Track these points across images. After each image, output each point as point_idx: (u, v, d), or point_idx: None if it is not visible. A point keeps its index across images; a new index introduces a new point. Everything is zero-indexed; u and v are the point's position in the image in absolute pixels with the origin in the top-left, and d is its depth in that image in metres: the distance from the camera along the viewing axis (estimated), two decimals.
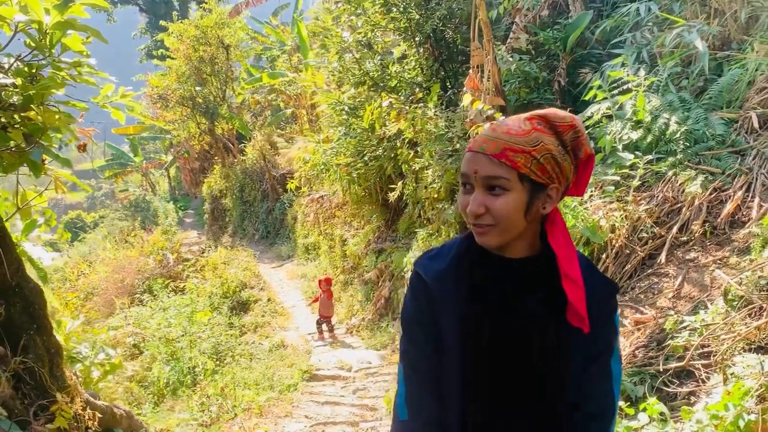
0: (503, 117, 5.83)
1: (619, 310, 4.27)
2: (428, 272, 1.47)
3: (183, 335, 8.28)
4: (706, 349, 3.48)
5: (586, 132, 5.23)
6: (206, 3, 21.94)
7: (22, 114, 3.44)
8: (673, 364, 3.55)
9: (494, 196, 1.32)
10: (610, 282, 1.50)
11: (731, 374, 3.13)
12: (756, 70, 4.92)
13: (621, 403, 3.40)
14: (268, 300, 11.86)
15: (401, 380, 1.51)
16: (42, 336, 3.38)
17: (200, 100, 22.62)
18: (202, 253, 16.96)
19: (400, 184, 8.47)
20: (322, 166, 10.61)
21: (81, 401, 3.60)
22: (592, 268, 1.48)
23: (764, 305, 3.39)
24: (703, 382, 3.36)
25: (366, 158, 9.48)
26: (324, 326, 9.48)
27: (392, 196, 8.65)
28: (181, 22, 22.11)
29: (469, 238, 1.49)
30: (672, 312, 3.90)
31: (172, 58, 22.44)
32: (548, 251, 1.41)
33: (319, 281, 9.99)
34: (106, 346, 6.48)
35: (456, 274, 1.45)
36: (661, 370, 3.57)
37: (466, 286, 1.43)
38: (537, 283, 1.42)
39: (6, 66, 3.45)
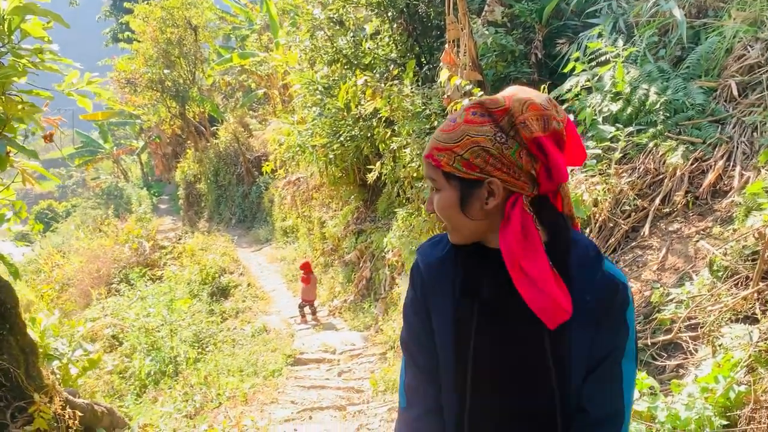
0: (481, 92, 5.75)
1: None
2: (425, 259, 1.45)
3: (163, 324, 8.15)
4: (693, 321, 3.47)
5: (565, 105, 5.14)
6: None
7: None
8: (661, 338, 3.54)
9: (437, 193, 1.35)
10: (614, 278, 1.33)
11: (719, 345, 3.13)
12: (734, 37, 4.89)
13: None
14: (248, 285, 11.76)
15: (402, 366, 1.51)
16: (15, 335, 3.26)
17: (169, 84, 22.16)
18: (179, 239, 16.74)
19: (378, 164, 8.37)
20: (298, 148, 10.46)
21: (60, 401, 3.50)
22: (597, 262, 1.34)
23: (750, 275, 3.38)
24: (692, 354, 3.35)
25: (342, 138, 9.36)
26: (306, 308, 9.47)
27: (370, 176, 8.56)
28: (147, 4, 21.54)
29: None
30: (657, 285, 3.89)
31: (139, 41, 21.92)
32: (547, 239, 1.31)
33: (300, 267, 9.96)
34: (84, 339, 6.35)
35: (452, 263, 1.40)
36: (649, 343, 3.56)
37: (459, 277, 1.38)
38: None
39: None
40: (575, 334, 1.30)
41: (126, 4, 24.75)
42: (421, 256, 1.47)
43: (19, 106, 3.38)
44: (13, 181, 4.40)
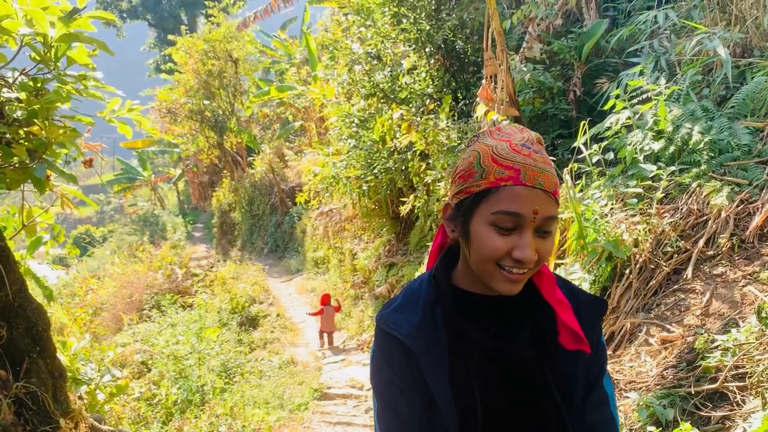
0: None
1: (645, 328, 4.13)
2: (401, 328, 1.27)
3: (191, 352, 8.13)
4: (740, 371, 3.30)
5: (605, 143, 5.06)
6: (214, 17, 22.01)
7: (26, 129, 3.33)
8: (706, 386, 3.37)
9: (543, 239, 1.17)
10: (597, 299, 1.37)
11: None
12: None
13: (652, 428, 3.24)
14: (278, 315, 11.73)
15: None
16: (45, 359, 3.25)
17: (209, 114, 22.65)
18: (211, 267, 16.86)
19: (411, 197, 8.33)
20: (332, 179, 10.50)
21: (85, 426, 3.46)
22: (572, 288, 1.36)
23: None
24: (739, 405, 3.18)
25: (376, 171, 9.37)
26: (325, 337, 9.91)
27: (403, 209, 8.51)
28: (190, 37, 22.17)
29: (436, 280, 1.33)
30: (701, 330, 3.72)
31: (180, 72, 22.51)
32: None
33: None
34: (113, 364, 6.36)
35: (434, 325, 1.27)
36: (693, 392, 3.39)
37: (446, 338, 1.25)
38: (521, 318, 1.29)
39: (11, 80, 3.35)
40: (574, 364, 1.28)
41: (170, 37, 25.47)
42: (393, 325, 1.28)
43: (61, 131, 3.43)
44: (52, 205, 4.46)
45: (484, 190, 1.17)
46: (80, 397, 3.94)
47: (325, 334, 9.86)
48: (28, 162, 3.31)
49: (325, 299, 10.12)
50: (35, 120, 3.30)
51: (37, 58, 3.32)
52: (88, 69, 3.63)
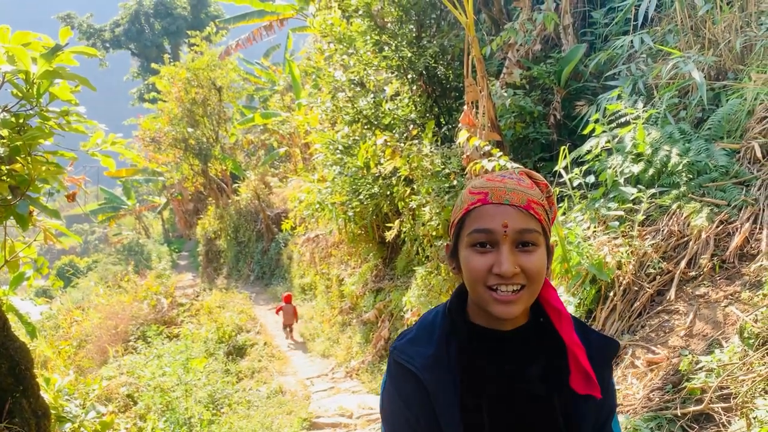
0: (500, 153, 5.76)
1: (630, 351, 4.15)
2: (415, 360, 1.27)
3: (178, 384, 8.03)
4: (725, 392, 3.32)
5: (586, 166, 5.14)
6: (197, 46, 22.11)
7: (8, 166, 3.33)
8: (692, 408, 3.39)
9: (526, 252, 1.20)
10: (609, 340, 1.37)
11: (754, 419, 2.98)
12: (755, 99, 4.87)
13: None
14: (265, 344, 11.63)
15: None
16: (29, 398, 3.21)
17: (193, 142, 22.64)
18: (197, 296, 16.72)
19: (397, 222, 8.36)
20: (317, 205, 10.51)
21: None
22: (585, 328, 1.36)
23: None
24: (724, 426, 3.20)
25: (362, 196, 9.40)
26: (287, 329, 12.68)
27: (389, 234, 8.53)
28: (173, 65, 22.23)
29: (451, 313, 1.33)
30: (686, 351, 3.75)
31: (164, 101, 22.53)
32: (536, 317, 1.30)
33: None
34: (99, 398, 6.26)
35: (447, 359, 1.27)
36: (679, 414, 3.40)
37: (460, 372, 1.27)
38: (533, 355, 1.29)
39: None
40: (584, 405, 1.27)
41: (153, 66, 25.53)
42: (407, 358, 1.28)
43: (44, 167, 3.43)
44: (35, 240, 4.44)
45: (460, 218, 1.25)
46: None
47: (287, 327, 12.62)
48: (10, 199, 3.30)
49: (287, 299, 12.71)
50: (17, 157, 3.30)
51: (19, 94, 3.33)
52: (70, 104, 3.64)
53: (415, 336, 1.33)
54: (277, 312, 13.03)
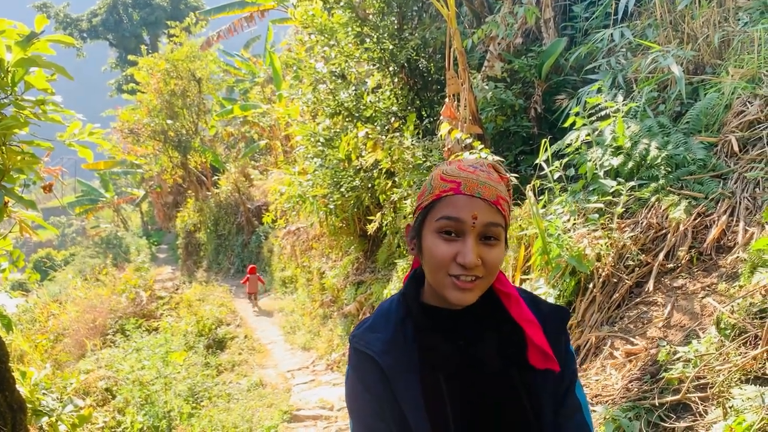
0: (482, 146, 5.77)
1: (609, 342, 4.20)
2: (373, 345, 1.31)
3: (157, 377, 7.96)
4: (702, 381, 3.37)
5: (566, 159, 5.17)
6: (177, 37, 21.86)
7: None
8: (669, 398, 3.43)
9: (489, 246, 1.23)
10: (559, 308, 1.42)
11: (730, 408, 3.03)
12: (732, 93, 4.93)
13: None
14: (245, 337, 11.58)
15: None
16: (4, 392, 3.16)
17: (172, 134, 22.42)
18: (176, 289, 16.60)
19: (378, 214, 8.35)
20: (298, 198, 10.46)
21: None
22: (536, 300, 1.41)
23: (759, 333, 3.30)
24: (701, 415, 3.24)
25: (343, 189, 9.37)
26: (252, 297, 14.69)
27: (371, 227, 8.53)
28: (152, 56, 21.96)
29: (406, 297, 1.38)
30: (664, 342, 3.80)
31: (143, 92, 22.27)
32: (486, 295, 1.32)
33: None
34: (77, 392, 6.19)
35: (404, 341, 1.31)
36: (657, 404, 3.45)
37: (416, 352, 1.30)
38: (486, 331, 1.33)
39: None
40: (544, 375, 1.31)
41: (131, 57, 25.20)
42: (365, 343, 1.33)
43: (19, 157, 3.36)
44: (10, 231, 4.36)
45: (430, 202, 1.27)
46: (41, 429, 3.83)
47: (252, 295, 14.64)
48: None
49: (252, 270, 14.75)
50: None
51: None
52: (46, 93, 3.57)
53: (372, 323, 1.38)
54: (243, 282, 15.09)
